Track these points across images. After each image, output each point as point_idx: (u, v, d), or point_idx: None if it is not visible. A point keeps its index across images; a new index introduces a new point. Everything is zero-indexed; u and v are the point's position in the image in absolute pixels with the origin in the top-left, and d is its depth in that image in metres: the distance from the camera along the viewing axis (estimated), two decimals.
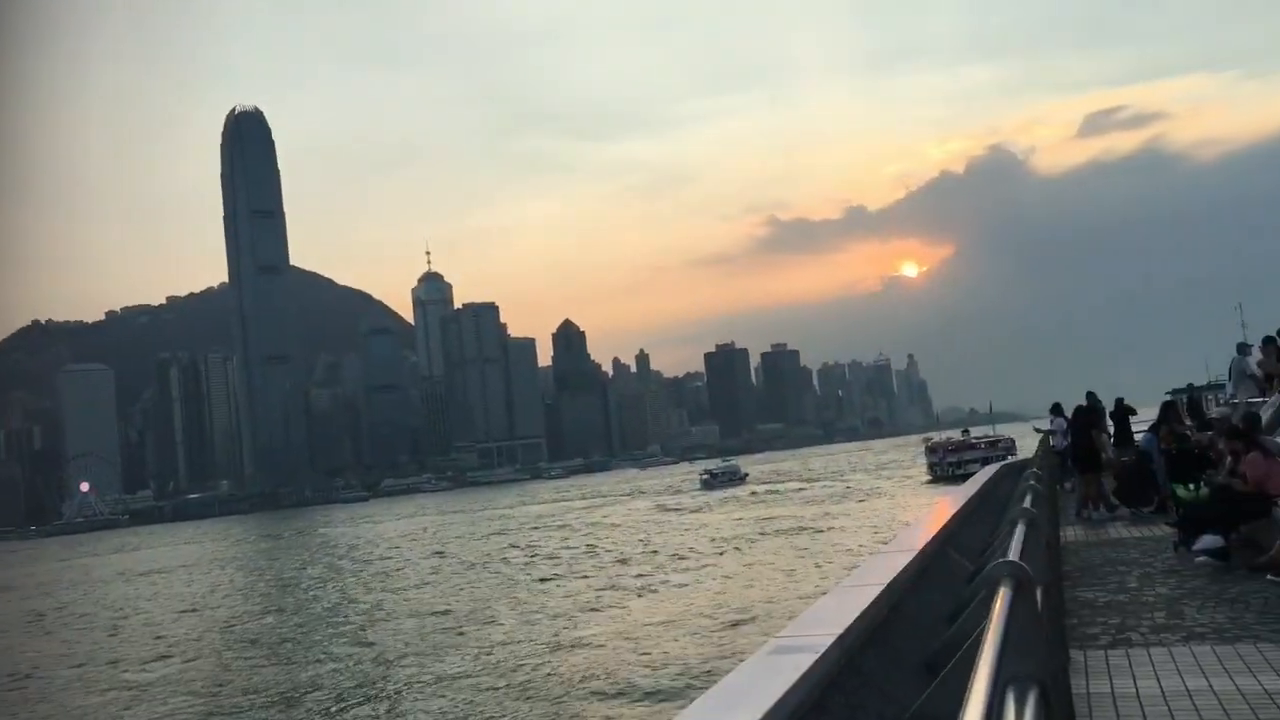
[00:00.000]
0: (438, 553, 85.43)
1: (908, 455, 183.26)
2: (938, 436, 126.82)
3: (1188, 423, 24.48)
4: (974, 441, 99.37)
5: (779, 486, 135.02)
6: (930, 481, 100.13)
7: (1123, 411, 25.83)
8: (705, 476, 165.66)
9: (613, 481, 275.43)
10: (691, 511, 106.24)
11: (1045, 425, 28.01)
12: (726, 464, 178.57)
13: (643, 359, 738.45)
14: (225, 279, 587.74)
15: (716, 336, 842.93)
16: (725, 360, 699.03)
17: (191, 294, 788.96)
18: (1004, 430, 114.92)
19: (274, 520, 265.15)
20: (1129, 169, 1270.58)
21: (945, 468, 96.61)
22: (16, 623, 65.19)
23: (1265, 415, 17.99)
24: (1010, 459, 49.96)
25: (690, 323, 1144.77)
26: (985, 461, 62.05)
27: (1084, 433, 22.52)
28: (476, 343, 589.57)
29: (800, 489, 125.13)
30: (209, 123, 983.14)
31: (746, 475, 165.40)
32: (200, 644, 45.15)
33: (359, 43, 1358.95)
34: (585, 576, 54.67)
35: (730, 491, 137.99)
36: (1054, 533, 13.11)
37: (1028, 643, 3.43)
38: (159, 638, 48.92)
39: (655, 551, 64.63)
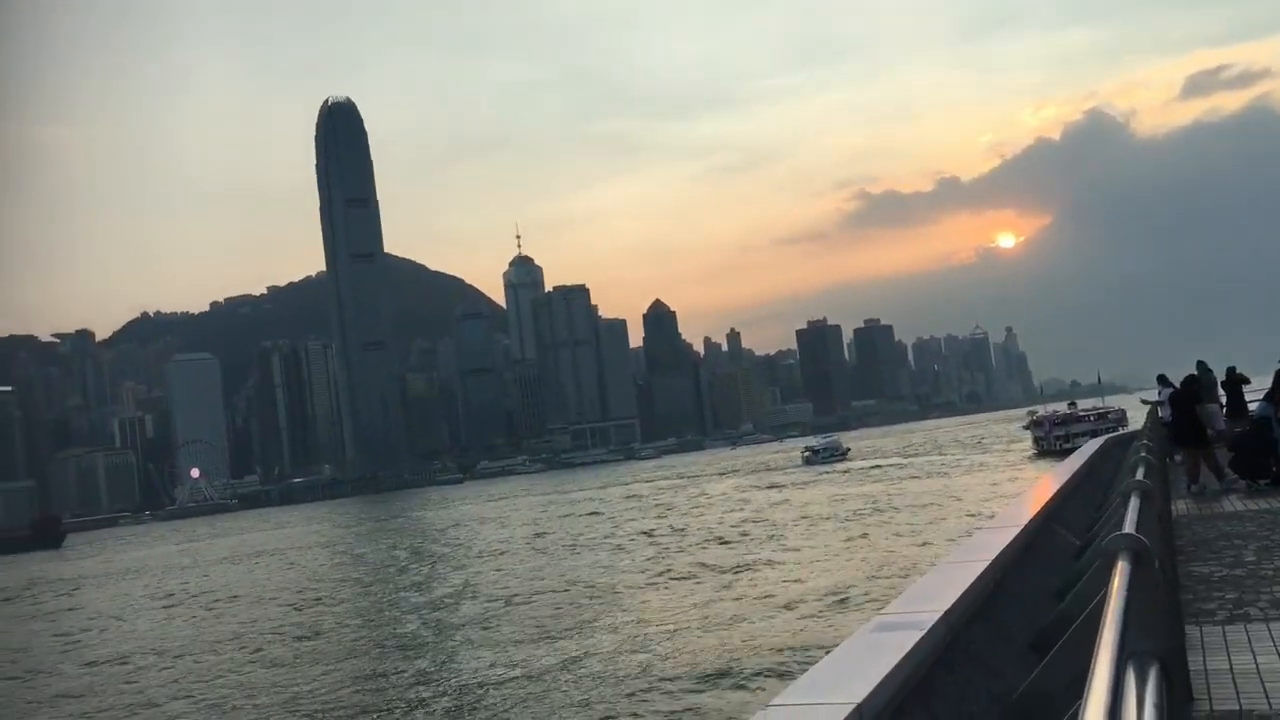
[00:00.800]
0: (535, 534, 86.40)
1: (1010, 429, 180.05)
2: (1042, 409, 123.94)
3: None
4: (1082, 414, 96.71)
5: (881, 462, 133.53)
6: (1036, 456, 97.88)
7: (1235, 380, 24.94)
8: (807, 453, 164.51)
9: (705, 461, 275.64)
10: (798, 486, 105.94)
11: (1153, 396, 27.21)
12: (828, 439, 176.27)
13: (734, 338, 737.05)
14: (323, 268, 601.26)
15: (808, 313, 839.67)
16: (817, 337, 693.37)
17: (291, 283, 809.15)
18: (1112, 402, 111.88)
19: (374, 503, 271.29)
20: (1236, 129, 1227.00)
21: (1052, 441, 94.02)
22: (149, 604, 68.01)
23: None
24: (1120, 431, 48.54)
25: (781, 300, 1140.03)
26: (1094, 434, 59.97)
27: (1186, 405, 21.80)
28: (568, 325, 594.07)
29: (902, 464, 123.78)
30: (303, 115, 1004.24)
31: (849, 450, 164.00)
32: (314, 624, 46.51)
33: (444, 31, 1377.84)
34: (691, 555, 54.82)
35: (834, 467, 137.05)
36: (1166, 506, 12.72)
37: (1148, 617, 3.40)
38: (290, 614, 50.54)
39: (772, 526, 64.63)
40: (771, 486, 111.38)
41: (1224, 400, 25.76)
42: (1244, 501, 18.26)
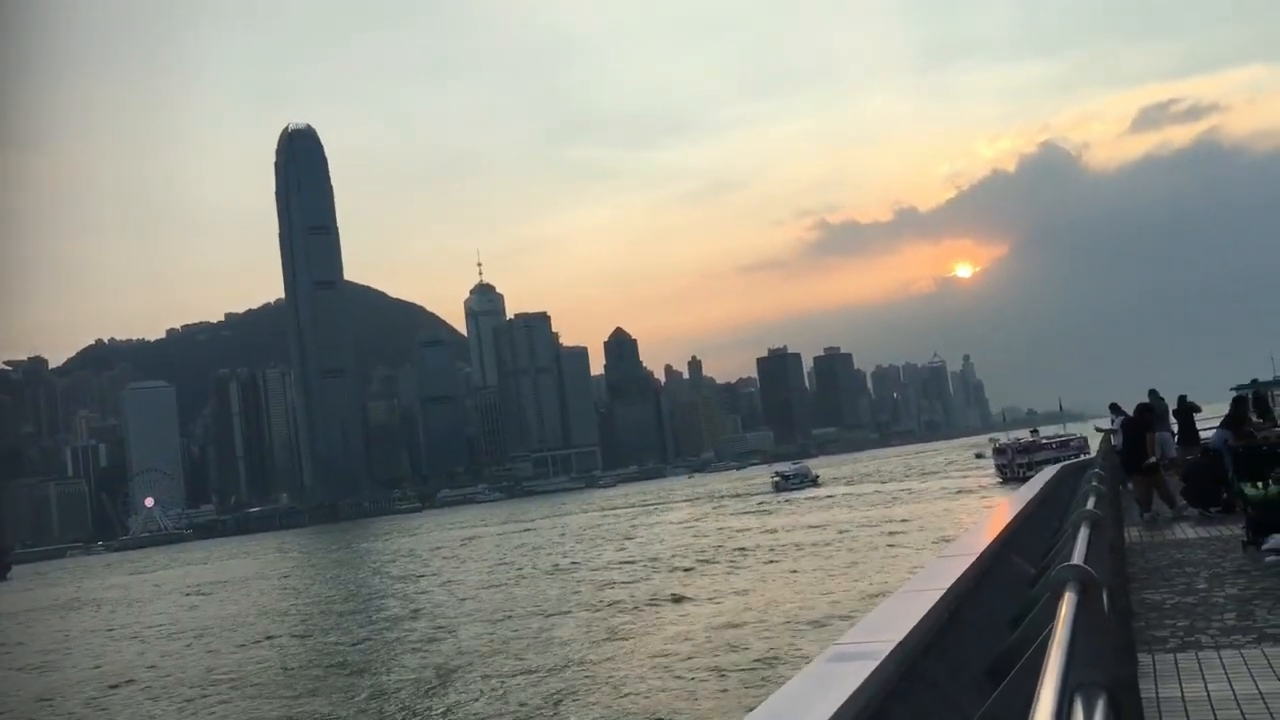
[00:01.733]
0: (489, 566, 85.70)
1: (967, 456, 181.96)
2: (1004, 437, 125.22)
3: (1254, 419, 23.96)
4: (1044, 441, 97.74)
5: (853, 490, 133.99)
6: (1000, 483, 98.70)
7: (1186, 409, 25.31)
8: (777, 479, 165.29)
9: (667, 488, 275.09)
10: (770, 513, 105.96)
11: (1106, 424, 27.53)
12: (798, 466, 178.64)
13: (695, 365, 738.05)
14: (282, 295, 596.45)
15: (769, 341, 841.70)
16: (778, 365, 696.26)
17: (249, 310, 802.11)
18: (1071, 429, 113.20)
19: (328, 534, 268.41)
20: (1185, 163, 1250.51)
21: (1015, 469, 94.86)
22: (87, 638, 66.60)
23: None
24: (1081, 458, 49.02)
25: (742, 328, 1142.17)
26: (1056, 461, 60.76)
27: (1138, 432, 22.09)
28: (529, 352, 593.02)
29: (873, 491, 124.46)
30: (263, 141, 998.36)
31: (818, 477, 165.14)
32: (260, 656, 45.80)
33: (406, 57, 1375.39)
34: (654, 584, 54.64)
35: (804, 494, 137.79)
36: (1118, 534, 12.85)
37: (1095, 648, 3.41)
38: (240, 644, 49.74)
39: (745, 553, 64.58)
40: (745, 513, 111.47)
41: (1175, 428, 26.11)
42: (1196, 529, 18.49)
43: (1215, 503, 19.88)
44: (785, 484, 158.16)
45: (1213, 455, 21.04)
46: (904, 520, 74.67)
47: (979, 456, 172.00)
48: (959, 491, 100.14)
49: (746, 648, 32.38)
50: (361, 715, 30.28)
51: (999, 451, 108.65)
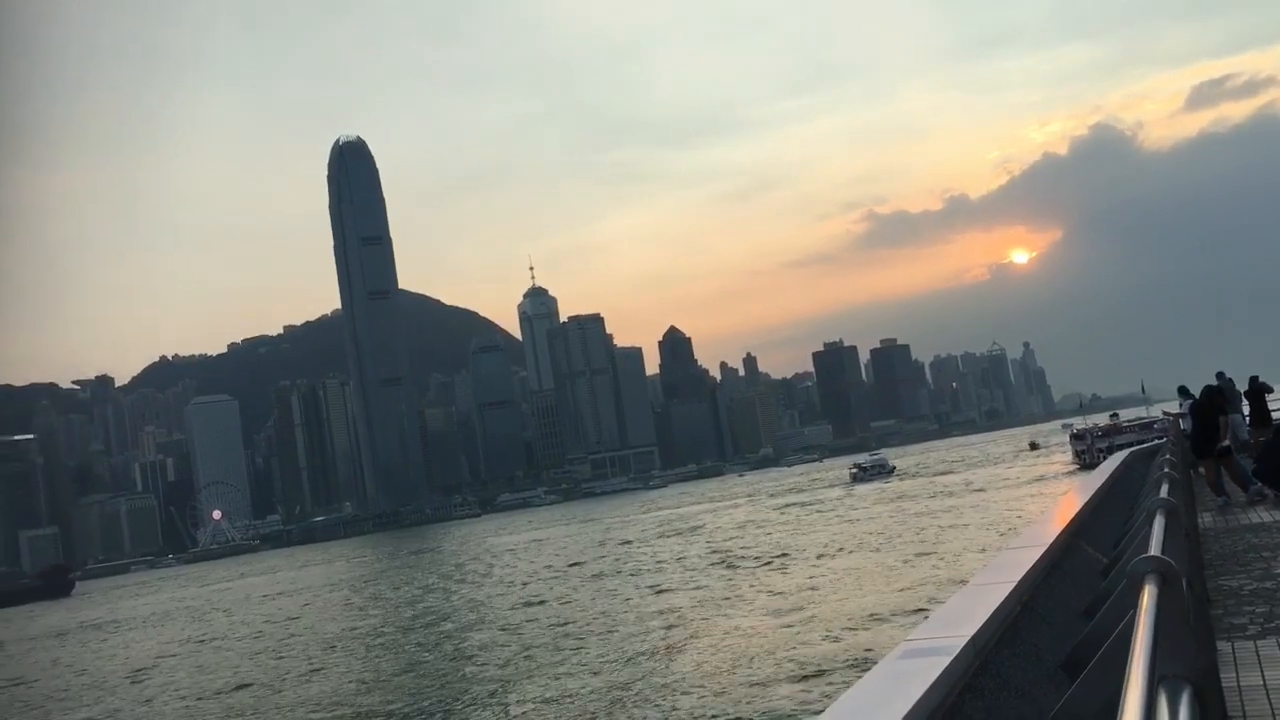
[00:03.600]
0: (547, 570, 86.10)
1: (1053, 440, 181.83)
2: (1079, 422, 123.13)
3: None
4: (1125, 425, 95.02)
5: (933, 479, 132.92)
6: (1078, 470, 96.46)
7: (1258, 390, 24.71)
8: (854, 470, 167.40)
9: (729, 487, 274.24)
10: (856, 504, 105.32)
11: (1174, 408, 27.04)
12: (875, 457, 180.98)
13: (750, 362, 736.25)
14: (338, 306, 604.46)
15: (823, 335, 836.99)
16: (834, 358, 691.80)
17: (307, 323, 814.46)
18: (1137, 414, 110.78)
19: (388, 541, 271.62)
20: (1244, 138, 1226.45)
21: (1095, 454, 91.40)
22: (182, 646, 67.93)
23: None
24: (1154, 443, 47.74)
25: (795, 323, 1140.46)
26: (1140, 445, 58.93)
27: (1207, 416, 21.63)
28: (584, 354, 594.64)
29: (941, 481, 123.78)
30: (314, 154, 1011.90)
31: (894, 468, 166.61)
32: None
33: (451, 68, 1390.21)
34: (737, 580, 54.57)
35: (882, 484, 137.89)
36: (1192, 521, 12.60)
37: (1177, 641, 3.38)
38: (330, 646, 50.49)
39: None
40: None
41: (1247, 410, 25.52)
42: (1270, 512, 18.07)
43: None
44: (863, 475, 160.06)
45: None
46: (985, 508, 74.30)
47: (1033, 447, 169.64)
48: (1038, 478, 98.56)
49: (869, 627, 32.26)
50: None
51: (1077, 437, 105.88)
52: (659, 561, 73.13)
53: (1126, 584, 4.27)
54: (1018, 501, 75.51)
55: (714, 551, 73.97)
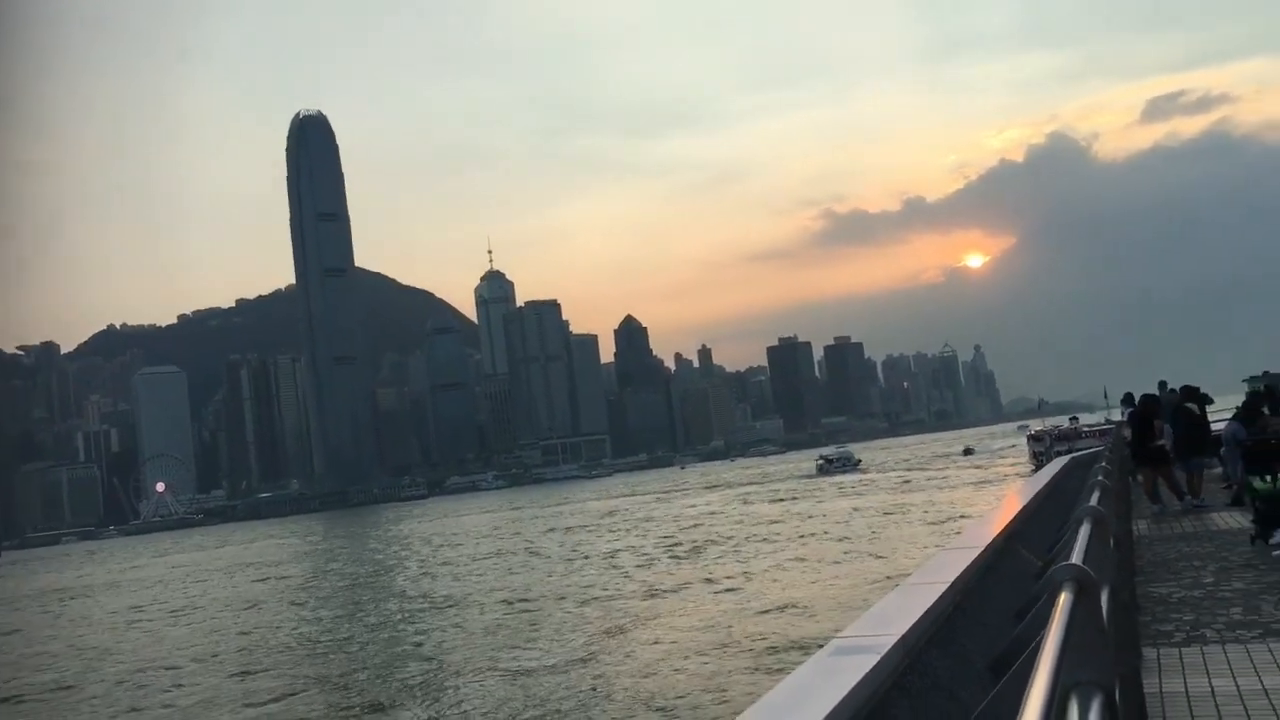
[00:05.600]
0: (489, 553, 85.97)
1: (996, 444, 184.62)
2: (1037, 425, 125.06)
3: (1265, 412, 23.84)
4: (1084, 429, 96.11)
5: (898, 475, 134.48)
6: (1035, 471, 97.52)
7: (1198, 399, 25.05)
8: (821, 462, 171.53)
9: (683, 477, 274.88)
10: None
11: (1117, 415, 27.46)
12: (841, 450, 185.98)
13: (705, 354, 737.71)
14: (293, 281, 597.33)
15: (778, 330, 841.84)
16: (788, 354, 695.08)
17: (260, 296, 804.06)
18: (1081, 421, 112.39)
19: (336, 520, 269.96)
20: (1195, 153, 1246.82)
21: (1052, 457, 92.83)
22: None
23: None
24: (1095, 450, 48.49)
25: (751, 317, 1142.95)
26: None
27: (1145, 424, 22.07)
28: (539, 340, 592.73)
29: (908, 476, 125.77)
30: (274, 129, 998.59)
31: (860, 462, 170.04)
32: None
33: (417, 48, 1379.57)
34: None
35: (846, 477, 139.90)
36: (1125, 528, 12.83)
37: (1091, 648, 3.37)
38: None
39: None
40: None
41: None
42: (1204, 520, 18.47)
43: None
44: (829, 468, 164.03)
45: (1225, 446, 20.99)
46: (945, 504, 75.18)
47: (967, 453, 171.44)
48: (1003, 477, 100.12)
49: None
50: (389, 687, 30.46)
51: (1035, 439, 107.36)
52: (600, 551, 73.24)
53: (1049, 592, 4.36)
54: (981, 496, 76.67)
55: (665, 539, 74.25)
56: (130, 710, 33.78)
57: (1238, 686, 7.88)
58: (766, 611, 37.12)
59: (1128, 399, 29.20)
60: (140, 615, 67.50)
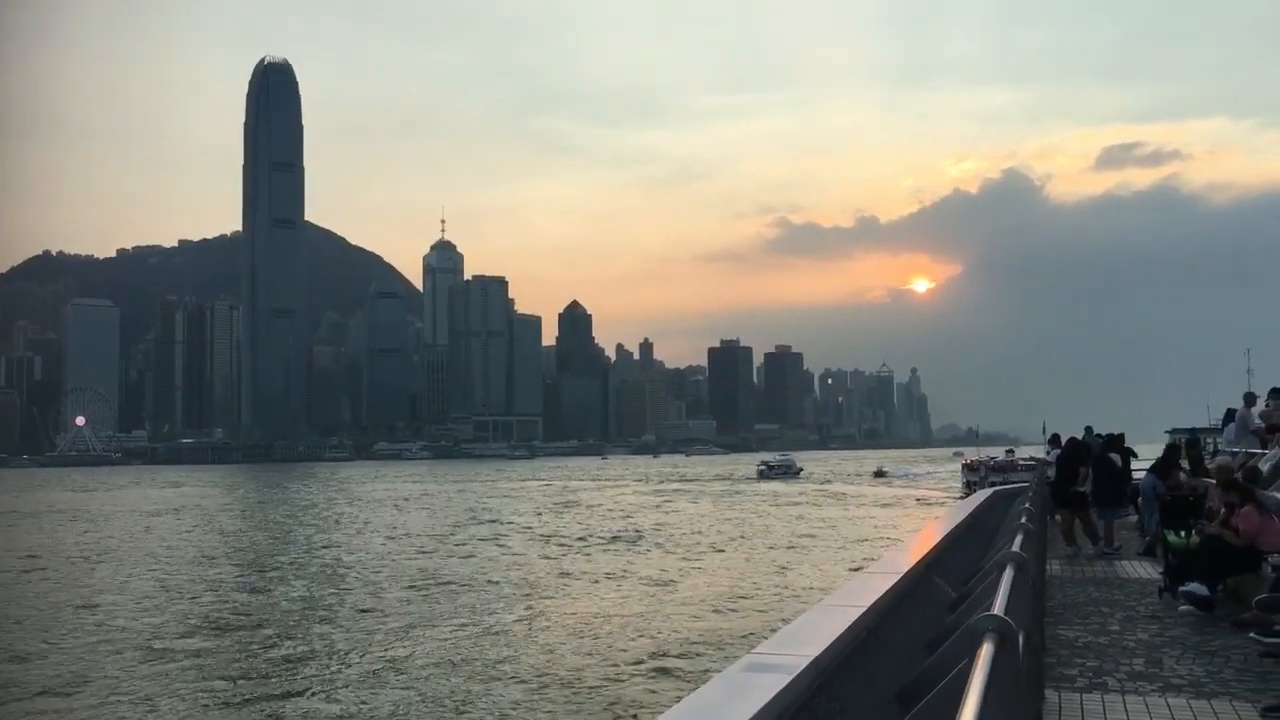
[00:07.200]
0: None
1: (918, 469, 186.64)
2: (973, 453, 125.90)
3: (1184, 468, 24.37)
4: (1019, 462, 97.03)
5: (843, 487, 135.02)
6: (966, 499, 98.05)
7: (1121, 450, 25.58)
8: (762, 467, 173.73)
9: (620, 468, 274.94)
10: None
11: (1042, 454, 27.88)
12: (784, 457, 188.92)
13: (646, 348, 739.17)
14: (239, 228, 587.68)
15: (721, 332, 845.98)
16: (729, 357, 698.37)
17: (204, 239, 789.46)
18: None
19: (257, 473, 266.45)
20: (1143, 205, 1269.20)
21: (987, 486, 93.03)
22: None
23: (1265, 469, 17.87)
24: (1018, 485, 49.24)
25: (696, 316, 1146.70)
26: None
27: (1069, 467, 22.51)
28: (483, 315, 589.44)
29: (845, 489, 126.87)
30: (238, 72, 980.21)
31: (801, 470, 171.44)
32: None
33: (390, 6, 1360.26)
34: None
35: (786, 485, 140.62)
36: (1040, 569, 13.03)
37: (1005, 699, 3.44)
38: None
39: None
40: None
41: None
42: (1115, 567, 18.85)
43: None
44: (770, 472, 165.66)
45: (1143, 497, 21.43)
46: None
47: (878, 475, 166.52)
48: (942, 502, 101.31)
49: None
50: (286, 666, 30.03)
51: (970, 468, 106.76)
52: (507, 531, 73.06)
53: (967, 635, 4.37)
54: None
55: (580, 526, 74.20)
56: None
57: None
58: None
59: (1054, 440, 29.67)
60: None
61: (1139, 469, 24.59)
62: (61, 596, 43.16)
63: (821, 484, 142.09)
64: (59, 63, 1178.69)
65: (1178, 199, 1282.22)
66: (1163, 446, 23.44)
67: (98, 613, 38.73)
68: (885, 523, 77.34)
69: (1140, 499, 22.30)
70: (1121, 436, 24.19)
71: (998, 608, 4.75)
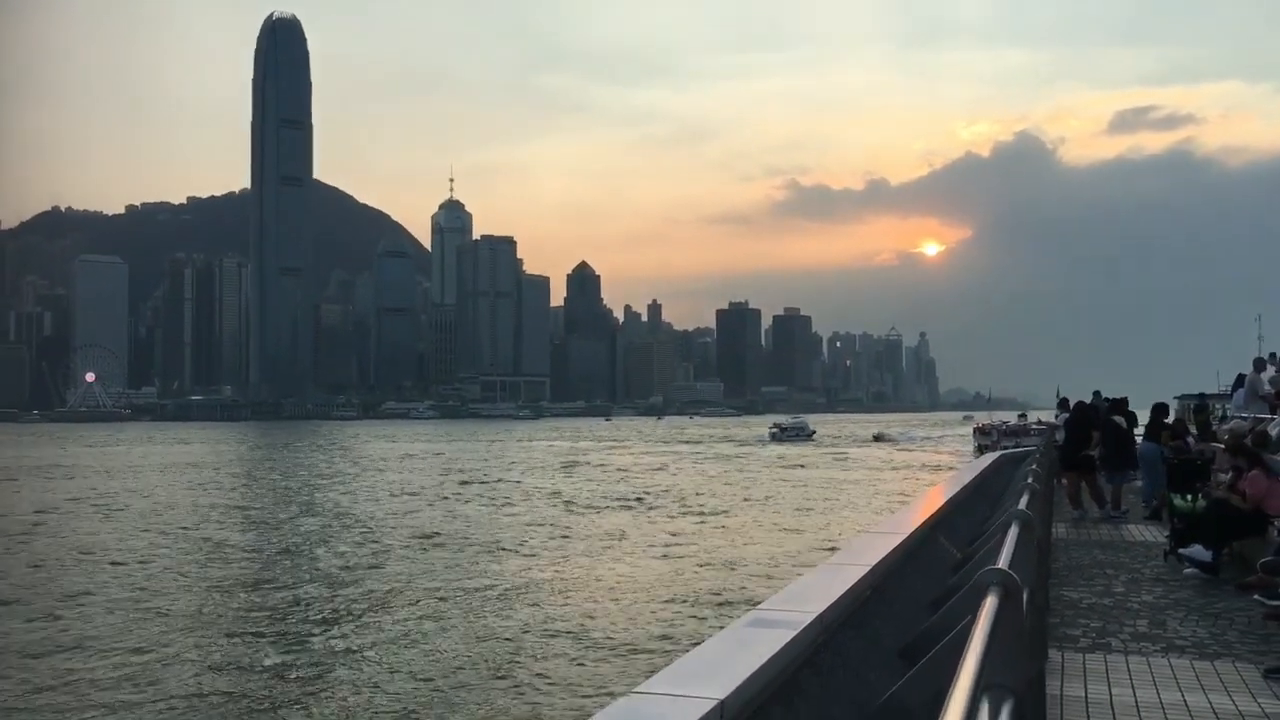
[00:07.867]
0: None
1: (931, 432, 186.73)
2: (984, 417, 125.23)
3: (1192, 431, 24.35)
4: (1032, 427, 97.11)
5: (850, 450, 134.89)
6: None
7: (1126, 415, 25.54)
8: (774, 430, 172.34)
9: (627, 429, 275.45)
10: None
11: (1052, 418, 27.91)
12: (796, 420, 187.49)
13: (654, 309, 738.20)
14: (247, 185, 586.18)
15: (729, 294, 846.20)
16: (737, 318, 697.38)
17: (213, 197, 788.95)
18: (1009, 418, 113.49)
19: (266, 430, 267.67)
20: (1156, 169, 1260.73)
21: (1000, 450, 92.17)
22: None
23: (1275, 434, 17.84)
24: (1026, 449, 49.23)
25: (704, 278, 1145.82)
26: None
27: (1078, 431, 22.49)
28: (491, 275, 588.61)
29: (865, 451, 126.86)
30: (246, 28, 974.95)
31: (814, 433, 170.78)
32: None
33: None
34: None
35: (799, 448, 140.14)
36: (1046, 531, 13.07)
37: (1009, 652, 3.43)
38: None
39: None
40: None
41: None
42: (1121, 531, 18.88)
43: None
44: (783, 435, 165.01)
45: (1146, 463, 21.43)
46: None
47: (878, 439, 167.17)
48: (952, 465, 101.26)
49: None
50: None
51: (983, 431, 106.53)
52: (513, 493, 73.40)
53: (971, 590, 4.38)
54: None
55: (589, 482, 74.52)
56: None
57: (1136, 698, 8.05)
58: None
59: (1063, 404, 29.68)
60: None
61: (1141, 433, 24.60)
62: (61, 552, 43.46)
63: (831, 448, 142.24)
64: (67, 18, 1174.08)
65: (1191, 163, 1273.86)
66: (1171, 413, 23.46)
67: (96, 568, 39.07)
68: (893, 487, 77.46)
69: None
70: (1125, 400, 24.13)
71: (1003, 562, 4.77)
